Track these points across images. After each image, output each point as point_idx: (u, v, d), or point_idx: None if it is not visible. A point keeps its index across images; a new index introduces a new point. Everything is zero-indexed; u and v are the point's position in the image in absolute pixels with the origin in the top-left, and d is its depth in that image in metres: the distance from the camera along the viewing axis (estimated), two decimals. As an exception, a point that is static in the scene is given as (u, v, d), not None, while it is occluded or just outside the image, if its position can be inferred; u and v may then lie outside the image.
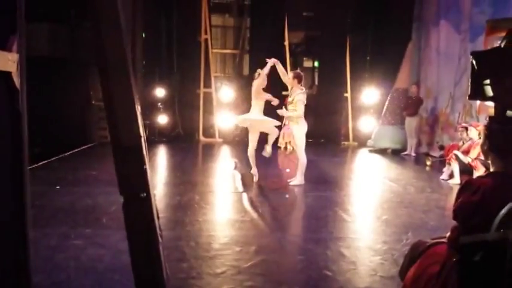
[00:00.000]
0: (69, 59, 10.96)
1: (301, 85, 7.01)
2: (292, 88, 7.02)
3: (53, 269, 3.65)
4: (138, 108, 1.29)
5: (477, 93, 1.56)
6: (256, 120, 7.08)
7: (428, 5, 11.62)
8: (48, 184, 6.54)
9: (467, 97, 1.65)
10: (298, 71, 7.42)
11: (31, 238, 1.36)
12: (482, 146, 2.42)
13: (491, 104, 1.57)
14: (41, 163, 8.06)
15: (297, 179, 7.08)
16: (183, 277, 3.60)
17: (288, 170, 8.20)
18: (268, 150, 7.21)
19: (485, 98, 1.57)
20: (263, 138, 7.37)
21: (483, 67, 1.54)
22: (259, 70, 7.11)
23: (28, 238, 1.27)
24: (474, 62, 1.58)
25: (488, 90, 1.52)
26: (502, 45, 1.50)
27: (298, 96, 6.85)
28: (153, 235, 1.30)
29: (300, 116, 6.91)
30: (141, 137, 1.28)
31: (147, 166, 1.33)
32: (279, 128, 7.52)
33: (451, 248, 2.38)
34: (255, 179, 7.19)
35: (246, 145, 7.36)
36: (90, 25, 1.33)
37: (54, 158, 8.68)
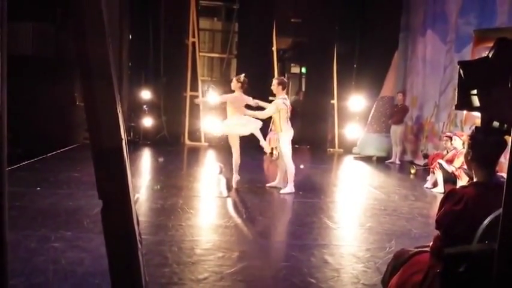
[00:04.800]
0: (54, 58, 10.84)
1: (285, 92, 6.99)
2: (276, 95, 7.00)
3: (31, 272, 3.58)
4: (120, 111, 1.26)
5: (464, 103, 1.56)
6: (238, 124, 7.01)
7: (415, 15, 11.76)
8: (29, 185, 6.43)
9: (454, 107, 1.66)
10: (282, 77, 7.40)
11: (10, 240, 1.32)
12: (465, 155, 2.44)
13: (477, 114, 1.57)
14: (23, 163, 7.93)
15: (288, 188, 7.00)
16: (165, 282, 3.55)
17: (302, 166, 8.17)
18: (235, 177, 7.18)
19: (471, 108, 1.58)
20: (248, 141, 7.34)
21: (470, 77, 1.54)
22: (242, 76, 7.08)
23: (5, 240, 1.23)
24: (461, 71, 1.58)
25: (475, 101, 1.53)
26: (490, 56, 1.50)
27: (277, 100, 6.84)
28: (132, 241, 1.27)
29: (264, 116, 6.92)
30: (122, 140, 1.25)
31: (128, 170, 1.30)
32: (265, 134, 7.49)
33: (433, 257, 2.38)
34: (235, 185, 7.13)
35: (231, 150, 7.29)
36: (72, 26, 1.29)
37: (36, 159, 8.55)
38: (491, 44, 1.54)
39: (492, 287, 1.27)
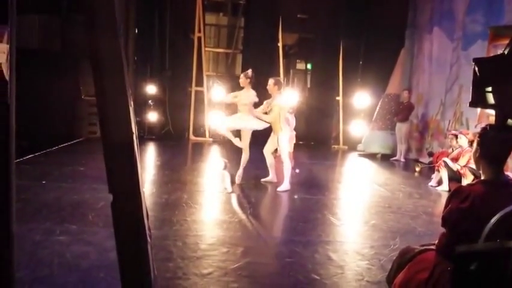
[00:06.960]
0: (59, 52, 10.84)
1: (281, 92, 6.94)
2: (272, 95, 6.93)
3: (36, 265, 3.59)
4: (131, 105, 1.26)
5: (479, 100, 1.55)
6: (241, 119, 6.97)
7: (421, 12, 11.69)
8: (34, 179, 6.45)
9: (469, 104, 1.64)
10: (278, 78, 7.35)
11: (15, 233, 1.32)
12: (474, 153, 2.42)
13: (491, 112, 1.55)
14: (28, 157, 7.95)
15: (284, 185, 6.97)
16: (169, 277, 3.56)
17: (297, 171, 8.18)
18: (240, 172, 7.14)
19: (486, 105, 1.56)
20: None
21: (485, 74, 1.53)
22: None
23: (12, 233, 1.23)
24: (476, 68, 1.57)
25: (490, 98, 1.51)
26: (506, 53, 1.48)
27: (276, 101, 6.81)
28: (141, 235, 1.27)
29: (273, 121, 6.84)
30: (133, 134, 1.25)
31: (139, 165, 1.29)
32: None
33: (439, 255, 2.38)
34: (238, 181, 7.09)
35: (236, 146, 7.25)
36: (84, 20, 1.29)
37: (41, 152, 8.57)
38: (506, 41, 1.53)
39: (509, 284, 1.26)
